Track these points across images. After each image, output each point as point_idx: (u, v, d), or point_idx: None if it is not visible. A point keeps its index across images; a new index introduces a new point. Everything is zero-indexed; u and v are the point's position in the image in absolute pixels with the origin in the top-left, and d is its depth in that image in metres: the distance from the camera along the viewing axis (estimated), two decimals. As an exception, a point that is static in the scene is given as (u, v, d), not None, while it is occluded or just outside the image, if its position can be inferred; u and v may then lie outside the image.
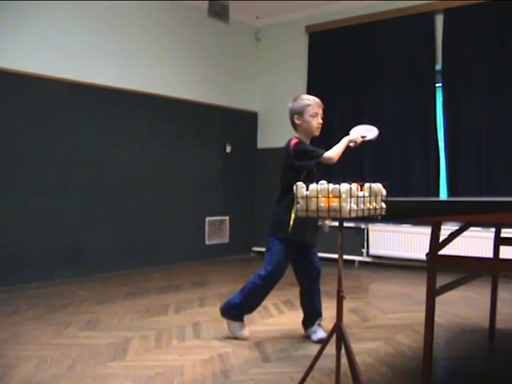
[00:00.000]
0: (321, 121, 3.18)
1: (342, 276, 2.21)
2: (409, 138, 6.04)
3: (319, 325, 3.27)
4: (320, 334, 3.21)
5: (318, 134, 3.21)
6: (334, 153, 3.04)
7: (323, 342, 2.27)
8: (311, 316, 3.31)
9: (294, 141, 3.13)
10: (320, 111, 3.19)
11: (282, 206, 3.12)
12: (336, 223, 2.26)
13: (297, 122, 3.19)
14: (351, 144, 3.10)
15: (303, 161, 3.06)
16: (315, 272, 3.28)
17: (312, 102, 3.17)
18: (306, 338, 3.29)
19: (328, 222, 3.22)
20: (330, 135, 6.58)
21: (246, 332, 3.25)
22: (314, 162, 3.05)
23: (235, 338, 3.23)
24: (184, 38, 6.38)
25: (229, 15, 6.89)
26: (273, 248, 3.17)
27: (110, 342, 3.19)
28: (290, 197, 2.99)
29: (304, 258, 3.26)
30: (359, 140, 3.11)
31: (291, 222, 2.99)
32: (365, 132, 3.12)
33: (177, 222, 6.22)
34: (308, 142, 3.19)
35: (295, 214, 2.93)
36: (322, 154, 3.03)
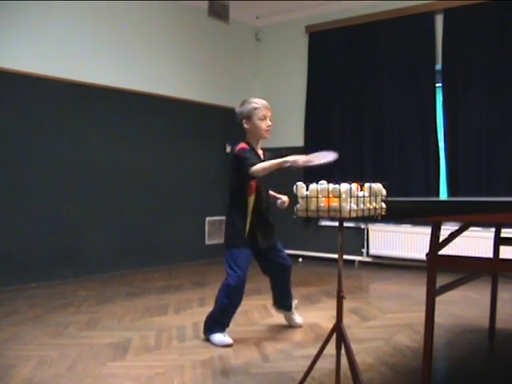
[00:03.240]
0: (270, 123, 3.16)
1: (341, 276, 2.21)
2: (409, 138, 6.04)
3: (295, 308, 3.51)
4: (299, 319, 3.51)
5: (268, 136, 3.18)
6: (261, 167, 2.97)
7: (323, 342, 2.27)
8: (284, 301, 3.47)
9: (240, 146, 3.14)
10: (268, 113, 3.15)
11: (232, 213, 3.24)
12: (336, 223, 2.26)
13: (246, 126, 3.17)
14: (286, 164, 2.88)
15: (241, 167, 3.07)
16: (283, 270, 3.37)
17: (259, 105, 3.13)
18: (305, 333, 3.31)
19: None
20: (330, 135, 6.64)
21: (228, 339, 3.15)
22: (246, 171, 3.03)
23: (223, 346, 3.11)
24: (184, 38, 6.38)
25: (229, 15, 6.89)
26: (231, 254, 3.18)
27: (110, 341, 3.19)
28: (239, 202, 3.18)
29: (267, 258, 3.33)
30: (299, 163, 2.82)
31: (247, 227, 3.15)
32: (315, 157, 2.78)
33: (177, 222, 6.22)
34: (258, 146, 3.21)
35: (251, 219, 3.10)
36: (252, 166, 3.00)
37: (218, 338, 3.15)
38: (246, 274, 3.18)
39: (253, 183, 3.16)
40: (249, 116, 3.14)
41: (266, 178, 3.19)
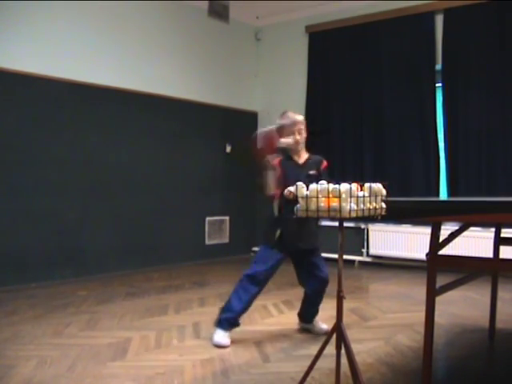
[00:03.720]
0: (298, 137, 3.26)
1: (341, 276, 2.21)
2: (409, 138, 6.04)
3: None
4: (323, 326, 3.42)
5: (298, 149, 3.30)
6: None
7: (323, 342, 2.27)
8: (309, 316, 3.45)
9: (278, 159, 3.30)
10: (298, 127, 3.27)
11: (269, 213, 3.34)
12: (336, 223, 2.26)
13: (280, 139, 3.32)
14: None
15: None
16: (319, 283, 3.34)
17: (289, 122, 3.27)
18: (305, 334, 3.34)
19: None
20: (330, 135, 6.63)
21: (226, 340, 3.16)
22: None
23: (219, 346, 3.12)
24: (184, 38, 6.38)
25: (229, 15, 6.89)
26: (261, 250, 3.32)
27: (110, 341, 3.19)
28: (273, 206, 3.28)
29: (305, 264, 3.35)
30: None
31: (277, 231, 3.22)
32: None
33: (177, 222, 6.22)
34: (300, 154, 3.31)
35: (280, 231, 3.18)
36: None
37: (217, 336, 3.15)
38: (263, 270, 3.21)
39: (277, 191, 3.25)
40: (280, 131, 3.28)
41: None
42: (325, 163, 3.35)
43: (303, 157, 3.34)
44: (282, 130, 3.27)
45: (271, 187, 3.21)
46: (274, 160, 3.28)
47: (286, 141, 3.25)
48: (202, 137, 6.53)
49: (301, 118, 3.32)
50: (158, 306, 4.18)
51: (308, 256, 3.32)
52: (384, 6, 6.20)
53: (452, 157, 5.76)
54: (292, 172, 3.22)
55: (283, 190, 3.17)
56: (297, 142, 3.27)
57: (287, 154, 3.33)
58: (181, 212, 6.28)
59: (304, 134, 3.29)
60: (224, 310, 3.22)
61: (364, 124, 6.33)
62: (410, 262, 5.94)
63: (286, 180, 3.20)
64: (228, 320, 3.19)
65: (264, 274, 3.21)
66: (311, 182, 2.18)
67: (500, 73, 5.49)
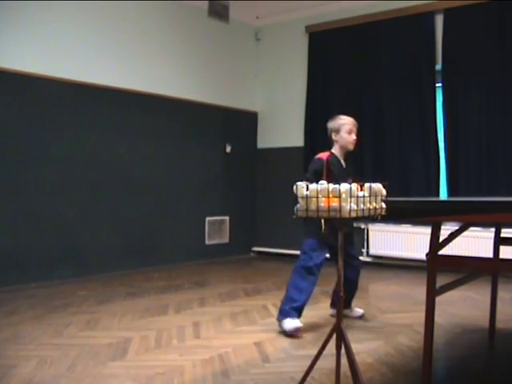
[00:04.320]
0: (355, 137, 3.54)
1: (342, 276, 2.21)
2: (409, 138, 6.04)
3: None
4: (359, 310, 3.79)
5: (352, 148, 3.57)
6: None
7: (323, 342, 2.27)
8: (345, 303, 3.63)
9: (320, 155, 3.48)
10: (354, 129, 3.54)
11: None
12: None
13: (334, 138, 3.56)
14: None
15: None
16: (353, 272, 3.61)
17: (347, 121, 3.55)
18: (305, 333, 3.32)
19: None
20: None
21: (299, 322, 3.35)
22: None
23: (294, 331, 3.30)
24: (184, 38, 6.38)
25: (229, 15, 6.89)
26: (308, 242, 3.43)
27: (110, 341, 3.19)
28: None
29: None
30: None
31: (323, 226, 3.24)
32: None
33: (177, 222, 6.22)
34: (342, 156, 3.56)
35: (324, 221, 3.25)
36: (307, 180, 3.35)
37: (288, 324, 3.31)
38: (316, 259, 3.39)
39: None
40: (337, 130, 3.53)
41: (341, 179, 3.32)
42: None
43: (343, 160, 3.57)
44: (340, 128, 3.50)
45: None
46: (320, 154, 3.48)
47: (346, 139, 3.46)
48: (202, 137, 6.53)
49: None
50: (158, 305, 4.18)
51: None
52: (384, 6, 6.20)
53: (452, 157, 5.75)
54: (337, 170, 3.42)
55: None
56: (353, 142, 3.51)
57: (332, 152, 3.54)
58: (181, 212, 6.28)
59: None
60: (287, 301, 3.37)
61: (364, 124, 6.30)
62: (410, 262, 5.93)
63: (332, 176, 3.31)
64: (294, 308, 3.35)
65: (317, 262, 3.39)
66: None
67: (500, 73, 5.49)
